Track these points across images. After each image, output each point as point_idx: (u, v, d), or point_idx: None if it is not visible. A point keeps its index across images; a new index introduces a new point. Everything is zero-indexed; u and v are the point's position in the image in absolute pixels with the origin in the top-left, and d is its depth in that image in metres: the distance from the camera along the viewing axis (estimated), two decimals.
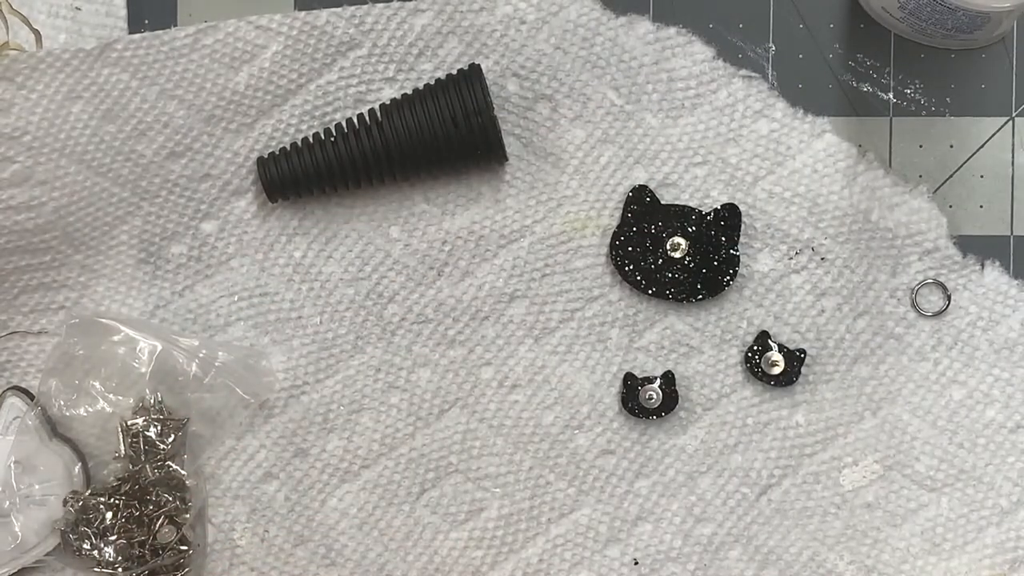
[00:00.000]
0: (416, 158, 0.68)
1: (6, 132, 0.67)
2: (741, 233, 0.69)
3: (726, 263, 0.69)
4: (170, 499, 0.68)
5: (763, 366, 0.69)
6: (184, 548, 0.69)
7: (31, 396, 0.70)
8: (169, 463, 0.69)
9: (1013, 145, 0.71)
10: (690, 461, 0.70)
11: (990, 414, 0.70)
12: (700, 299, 0.70)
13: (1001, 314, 0.70)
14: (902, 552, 0.70)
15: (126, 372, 0.69)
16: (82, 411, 0.69)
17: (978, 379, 0.70)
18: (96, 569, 0.68)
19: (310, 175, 0.68)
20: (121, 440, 0.69)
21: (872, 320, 0.70)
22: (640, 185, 0.69)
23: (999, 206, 0.71)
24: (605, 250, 0.70)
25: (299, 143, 0.69)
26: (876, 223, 0.70)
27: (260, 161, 0.69)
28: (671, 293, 0.69)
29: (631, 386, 0.70)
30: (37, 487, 0.69)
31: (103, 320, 0.69)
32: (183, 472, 0.69)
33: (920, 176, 0.71)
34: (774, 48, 0.71)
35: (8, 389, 0.70)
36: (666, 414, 0.70)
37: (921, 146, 0.71)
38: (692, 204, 0.70)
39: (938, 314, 0.70)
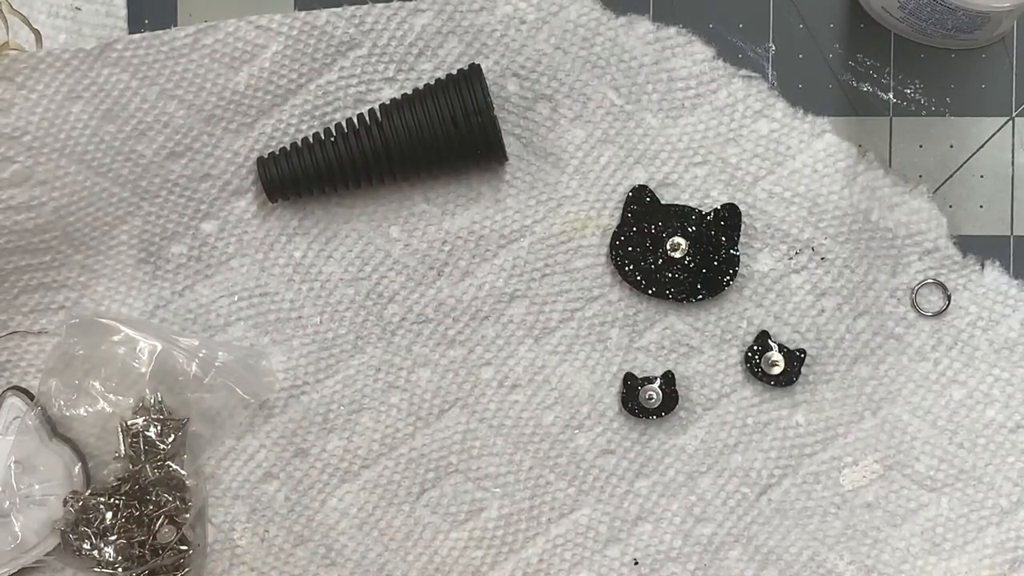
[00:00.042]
0: (416, 158, 0.68)
1: (6, 132, 0.67)
2: (741, 233, 0.69)
3: (726, 263, 0.69)
4: (170, 499, 0.68)
5: (763, 366, 0.69)
6: (184, 548, 0.69)
7: (31, 396, 0.70)
8: (169, 463, 0.69)
9: (1013, 145, 0.71)
10: (690, 461, 0.70)
11: (990, 414, 0.70)
12: (700, 299, 0.70)
13: (1001, 314, 0.70)
14: (902, 552, 0.70)
15: (126, 372, 0.69)
16: (82, 411, 0.69)
17: (978, 379, 0.70)
18: (96, 569, 0.68)
19: (310, 175, 0.68)
20: (121, 440, 0.69)
21: (872, 320, 0.70)
22: (640, 185, 0.69)
23: (999, 206, 0.71)
24: (605, 250, 0.70)
25: (299, 143, 0.69)
26: (876, 223, 0.70)
27: (260, 161, 0.69)
28: (671, 293, 0.69)
29: (631, 386, 0.70)
30: (37, 487, 0.69)
31: (103, 320, 0.69)
32: (183, 472, 0.69)
33: (920, 176, 0.71)
34: (774, 48, 0.71)
35: (8, 389, 0.70)
36: (666, 414, 0.70)
37: (921, 146, 0.71)
38: (692, 204, 0.70)
39: (938, 314, 0.70)
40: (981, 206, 0.71)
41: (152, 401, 0.69)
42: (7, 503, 0.68)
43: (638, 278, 0.69)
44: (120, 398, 0.69)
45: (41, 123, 0.68)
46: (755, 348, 0.70)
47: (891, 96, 0.71)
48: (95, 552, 0.68)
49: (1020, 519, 0.70)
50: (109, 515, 0.68)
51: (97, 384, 0.69)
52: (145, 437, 0.68)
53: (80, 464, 0.69)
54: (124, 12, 0.71)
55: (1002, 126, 0.71)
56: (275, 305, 0.71)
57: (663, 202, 0.70)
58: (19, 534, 0.68)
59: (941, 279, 0.70)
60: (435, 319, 0.71)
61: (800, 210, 0.70)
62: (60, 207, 0.69)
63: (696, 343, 0.70)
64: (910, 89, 0.71)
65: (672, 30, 0.70)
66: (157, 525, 0.68)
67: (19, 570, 0.70)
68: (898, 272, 0.70)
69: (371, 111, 0.68)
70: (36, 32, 0.68)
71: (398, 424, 0.71)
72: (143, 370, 0.68)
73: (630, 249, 0.69)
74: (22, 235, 0.69)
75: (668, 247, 0.69)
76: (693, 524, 0.70)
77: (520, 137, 0.70)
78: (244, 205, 0.71)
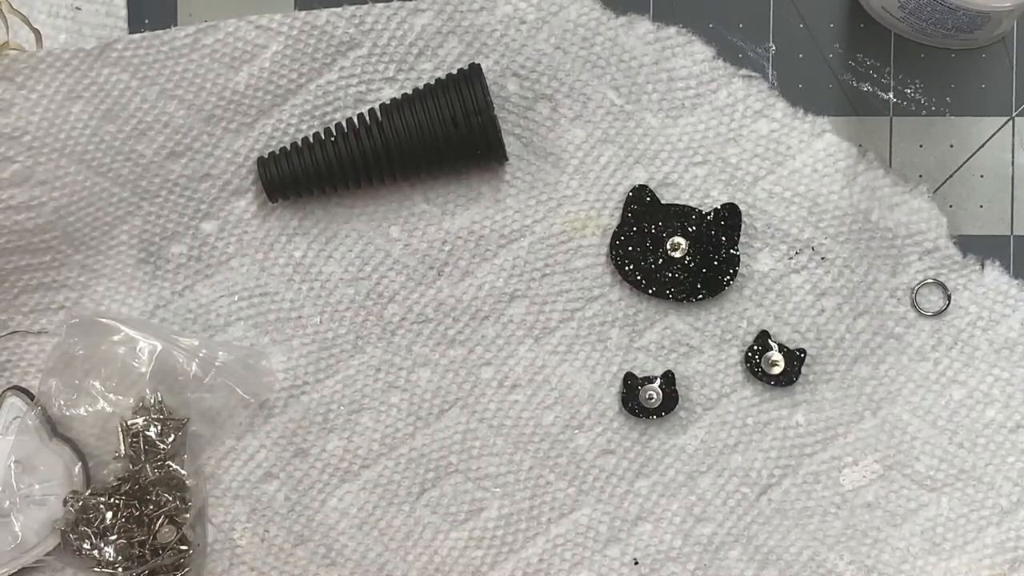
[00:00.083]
0: (416, 158, 0.68)
1: (6, 132, 0.67)
2: (741, 233, 0.69)
3: (726, 263, 0.69)
4: (170, 499, 0.68)
5: (763, 366, 0.69)
6: (184, 548, 0.69)
7: (31, 396, 0.70)
8: (169, 463, 0.69)
9: (1013, 145, 0.71)
10: (690, 461, 0.70)
11: (990, 414, 0.70)
12: (700, 299, 0.70)
13: (1001, 314, 0.70)
14: (902, 552, 0.70)
15: (126, 372, 0.69)
16: (82, 411, 0.69)
17: (978, 379, 0.70)
18: (96, 569, 0.68)
19: (310, 175, 0.68)
20: (121, 440, 0.69)
21: (872, 320, 0.70)
22: (640, 185, 0.69)
23: (999, 206, 0.71)
24: (605, 250, 0.70)
25: (299, 143, 0.69)
26: (876, 223, 0.70)
27: (260, 161, 0.69)
28: (671, 293, 0.69)
29: (631, 386, 0.70)
30: (37, 487, 0.69)
31: (103, 320, 0.69)
32: (183, 472, 0.69)
33: (920, 176, 0.71)
34: (774, 48, 0.71)
35: (8, 389, 0.70)
36: (666, 414, 0.70)
37: (921, 146, 0.71)
38: (692, 204, 0.70)
39: (938, 314, 0.70)
40: (981, 206, 0.71)
41: (152, 401, 0.69)
42: (7, 503, 0.68)
43: (638, 278, 0.69)
44: (120, 398, 0.69)
45: (41, 123, 0.68)
46: (755, 348, 0.70)
47: (891, 96, 0.71)
48: (95, 552, 0.68)
49: (1020, 519, 0.70)
50: (109, 515, 0.68)
51: (97, 384, 0.69)
52: (145, 437, 0.68)
53: (80, 464, 0.69)
54: (124, 12, 0.71)
55: (1002, 126, 0.71)
56: (275, 305, 0.71)
57: (663, 202, 0.70)
58: (19, 534, 0.68)
59: (941, 279, 0.70)
60: (435, 319, 0.71)
61: (800, 210, 0.70)
62: (60, 207, 0.69)
63: (696, 343, 0.70)
64: (910, 89, 0.71)
65: (672, 30, 0.70)
66: (157, 525, 0.68)
67: (19, 570, 0.70)
68: (898, 272, 0.70)
69: (371, 111, 0.68)
70: (36, 32, 0.68)
71: (398, 424, 0.71)
72: (143, 370, 0.68)
73: (630, 249, 0.69)
74: (22, 235, 0.69)
75: (668, 247, 0.69)
76: (693, 524, 0.70)
77: (520, 137, 0.70)
78: (244, 205, 0.71)
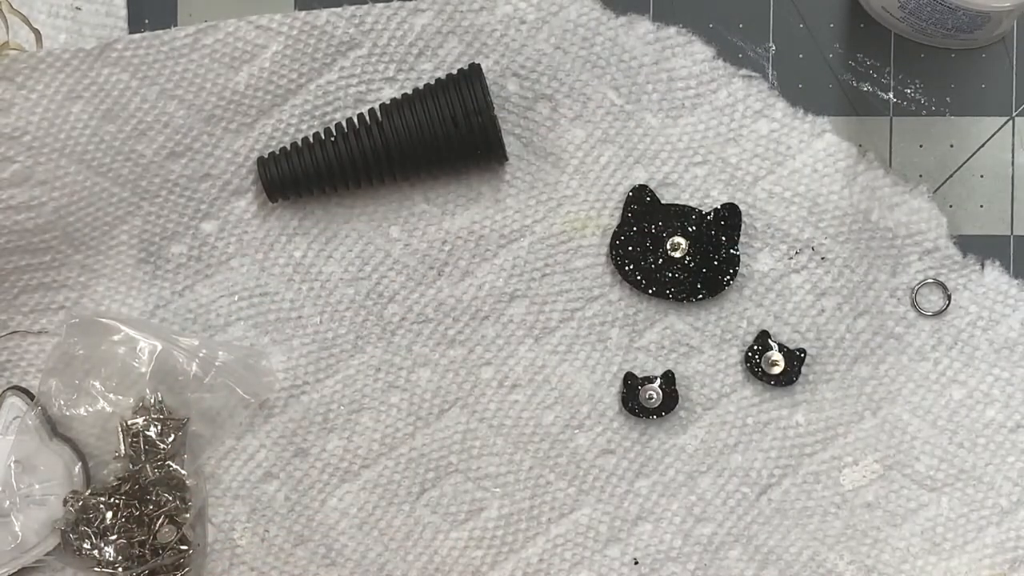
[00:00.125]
0: (416, 158, 0.68)
1: (6, 132, 0.67)
2: (741, 233, 0.69)
3: (726, 263, 0.69)
4: (170, 499, 0.68)
5: (763, 366, 0.69)
6: (184, 548, 0.69)
7: (31, 396, 0.70)
8: (169, 463, 0.69)
9: (1013, 145, 0.71)
10: (690, 461, 0.70)
11: (990, 414, 0.70)
12: (700, 299, 0.70)
13: (1001, 314, 0.70)
14: (902, 552, 0.70)
15: (126, 372, 0.69)
16: (82, 411, 0.69)
17: (978, 379, 0.70)
18: (96, 569, 0.68)
19: (310, 175, 0.68)
20: (121, 440, 0.69)
21: (872, 320, 0.70)
22: (640, 185, 0.69)
23: (999, 206, 0.71)
24: (605, 250, 0.70)
25: (299, 143, 0.69)
26: (876, 223, 0.70)
27: (260, 161, 0.69)
28: (671, 293, 0.69)
29: (631, 386, 0.70)
30: (37, 487, 0.69)
31: (103, 320, 0.69)
32: (183, 472, 0.69)
33: (920, 176, 0.71)
34: (774, 48, 0.71)
35: (8, 389, 0.70)
36: (666, 414, 0.70)
37: (921, 146, 0.71)
38: (692, 204, 0.70)
39: (938, 314, 0.70)
40: (981, 206, 0.71)
41: (152, 401, 0.69)
42: (7, 503, 0.68)
43: (638, 278, 0.69)
44: (120, 398, 0.69)
45: (41, 123, 0.68)
46: (755, 348, 0.70)
47: (891, 96, 0.71)
48: (95, 552, 0.68)
49: (1020, 519, 0.70)
50: (109, 515, 0.68)
51: (97, 384, 0.69)
52: (145, 437, 0.68)
53: (80, 464, 0.69)
54: (124, 12, 0.71)
55: (1002, 126, 0.71)
56: (275, 305, 0.71)
57: (663, 202, 0.70)
58: (19, 534, 0.68)
59: (941, 279, 0.70)
60: (435, 319, 0.71)
61: (800, 210, 0.70)
62: (60, 207, 0.69)
63: (696, 343, 0.70)
64: (910, 89, 0.71)
65: (672, 30, 0.70)
66: (157, 525, 0.68)
67: (19, 570, 0.70)
68: (898, 272, 0.70)
69: (371, 111, 0.68)
70: (36, 32, 0.68)
71: (398, 424, 0.71)
72: (143, 370, 0.68)
73: (630, 249, 0.69)
74: (22, 235, 0.69)
75: (668, 247, 0.69)
76: (693, 524, 0.70)
77: (520, 137, 0.70)
78: (244, 205, 0.71)
